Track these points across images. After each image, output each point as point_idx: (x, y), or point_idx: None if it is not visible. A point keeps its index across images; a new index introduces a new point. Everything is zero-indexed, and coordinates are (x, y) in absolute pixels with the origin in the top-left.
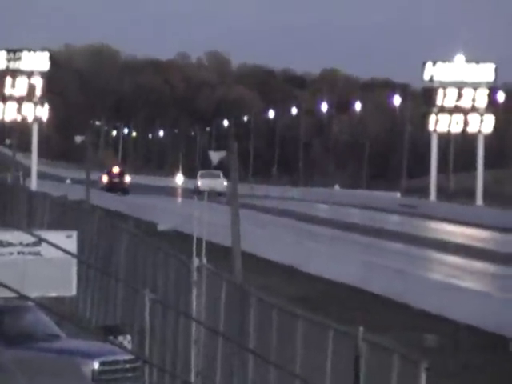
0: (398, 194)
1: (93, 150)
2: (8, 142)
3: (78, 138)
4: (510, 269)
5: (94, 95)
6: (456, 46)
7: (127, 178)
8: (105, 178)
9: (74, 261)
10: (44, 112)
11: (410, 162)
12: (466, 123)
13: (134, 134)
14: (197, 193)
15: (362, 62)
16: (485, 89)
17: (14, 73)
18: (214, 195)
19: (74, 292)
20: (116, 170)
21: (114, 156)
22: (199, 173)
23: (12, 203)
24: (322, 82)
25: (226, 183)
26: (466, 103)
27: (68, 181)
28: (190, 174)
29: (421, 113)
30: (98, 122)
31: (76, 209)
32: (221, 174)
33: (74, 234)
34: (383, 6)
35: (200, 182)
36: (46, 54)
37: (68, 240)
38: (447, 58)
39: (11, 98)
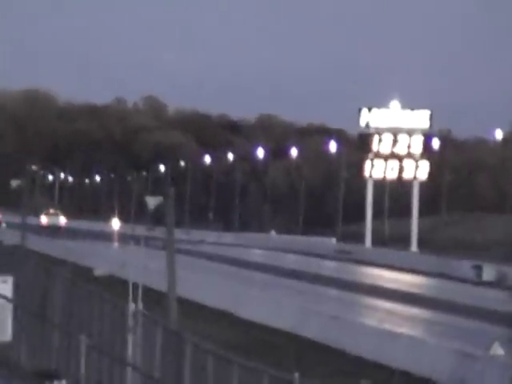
0: (334, 240)
1: (28, 194)
2: None
3: (14, 182)
4: (444, 315)
5: (30, 140)
6: (392, 93)
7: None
8: (43, 219)
9: (10, 306)
10: None
11: (346, 207)
12: (401, 169)
13: (71, 179)
14: (40, 227)
15: (298, 108)
16: (420, 135)
17: None
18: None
19: (9, 337)
20: (52, 210)
21: (49, 201)
22: (44, 212)
23: None
24: (258, 127)
25: (63, 219)
26: (401, 149)
27: (3, 225)
28: (126, 218)
29: (356, 159)
30: (34, 167)
31: (11, 254)
32: (59, 213)
33: (10, 279)
34: (318, 53)
35: (42, 219)
36: None
37: (3, 285)
38: (383, 104)
39: None
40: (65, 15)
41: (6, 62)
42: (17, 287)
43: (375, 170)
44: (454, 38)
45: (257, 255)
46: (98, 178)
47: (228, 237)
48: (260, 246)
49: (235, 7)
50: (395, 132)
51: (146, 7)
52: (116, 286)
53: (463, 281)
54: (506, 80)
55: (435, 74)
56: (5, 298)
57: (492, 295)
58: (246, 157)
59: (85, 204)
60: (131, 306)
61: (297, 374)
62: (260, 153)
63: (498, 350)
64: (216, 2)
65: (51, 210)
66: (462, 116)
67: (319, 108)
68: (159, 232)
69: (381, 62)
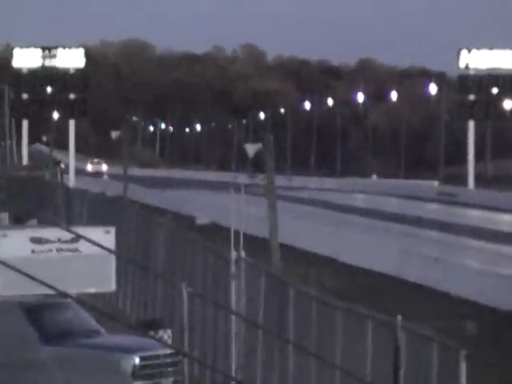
0: (436, 183)
1: (129, 145)
2: (45, 138)
3: (114, 134)
4: None
5: (130, 90)
6: (492, 33)
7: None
8: (89, 167)
9: (113, 256)
10: (81, 109)
11: (447, 149)
12: (501, 109)
13: (171, 128)
14: (86, 174)
15: (398, 51)
16: None
17: (50, 70)
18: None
19: (113, 288)
20: (96, 160)
21: (151, 151)
22: (89, 161)
23: (50, 200)
24: (358, 71)
25: (105, 167)
26: (501, 89)
27: (105, 176)
28: (227, 167)
29: (457, 100)
30: (134, 117)
31: (114, 204)
32: (102, 161)
33: (113, 229)
34: None
35: (88, 167)
36: (82, 51)
37: (106, 236)
38: (483, 45)
39: (48, 94)
40: None
41: (105, 14)
42: (120, 238)
43: (475, 111)
44: None
45: (359, 200)
46: (198, 127)
47: (330, 182)
48: (362, 190)
49: None
50: (495, 73)
51: None
52: (218, 234)
53: None
54: None
55: None
56: (108, 249)
57: None
58: (346, 101)
59: (185, 153)
60: (234, 254)
61: (400, 317)
62: (360, 97)
63: None
64: None
65: (95, 160)
66: None
67: (419, 51)
68: (261, 179)
69: (482, 3)
